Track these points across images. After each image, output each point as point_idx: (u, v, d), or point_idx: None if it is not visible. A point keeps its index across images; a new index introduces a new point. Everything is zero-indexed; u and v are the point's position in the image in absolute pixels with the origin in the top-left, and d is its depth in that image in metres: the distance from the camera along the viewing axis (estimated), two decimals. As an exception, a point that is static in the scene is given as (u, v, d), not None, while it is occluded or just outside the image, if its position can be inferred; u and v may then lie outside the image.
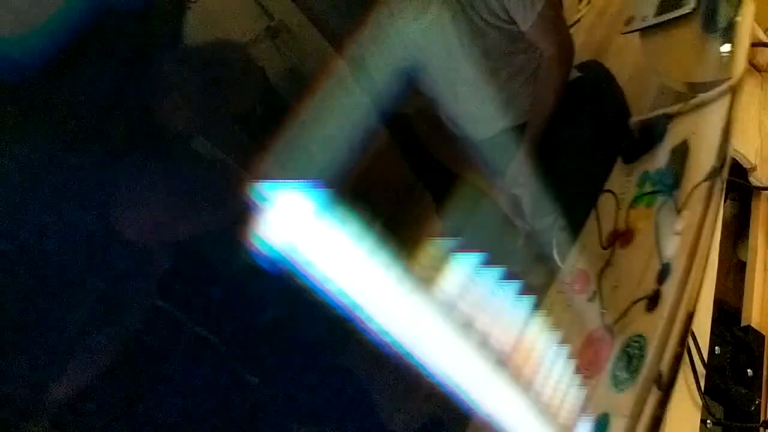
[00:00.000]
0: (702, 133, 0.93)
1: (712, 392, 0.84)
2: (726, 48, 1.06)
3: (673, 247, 0.78)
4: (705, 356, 0.78)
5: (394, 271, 0.54)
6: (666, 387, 0.65)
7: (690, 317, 0.69)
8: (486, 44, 1.20)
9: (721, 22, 1.10)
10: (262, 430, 0.52)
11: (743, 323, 1.01)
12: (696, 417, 0.74)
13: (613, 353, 0.75)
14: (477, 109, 1.29)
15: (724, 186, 0.83)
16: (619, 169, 1.08)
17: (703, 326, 0.81)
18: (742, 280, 1.09)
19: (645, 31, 1.32)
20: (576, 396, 0.76)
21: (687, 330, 0.68)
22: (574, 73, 1.28)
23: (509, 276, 0.89)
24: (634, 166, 1.04)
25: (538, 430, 0.77)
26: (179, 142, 0.44)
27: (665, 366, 0.66)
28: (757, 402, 0.88)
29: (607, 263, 0.90)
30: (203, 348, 0.46)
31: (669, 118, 1.04)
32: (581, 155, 1.22)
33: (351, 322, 0.48)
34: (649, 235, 0.84)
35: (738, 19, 1.07)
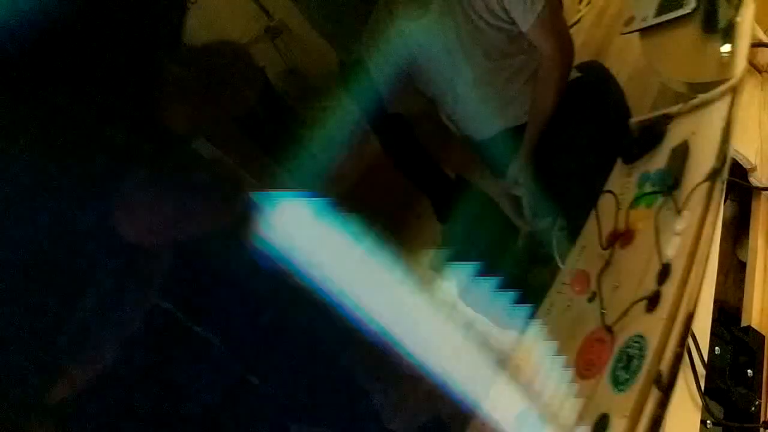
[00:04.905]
0: (702, 134, 0.93)
1: (712, 392, 0.84)
2: (726, 48, 1.06)
3: (673, 248, 0.78)
4: (705, 356, 0.78)
5: (394, 272, 0.54)
6: (666, 387, 0.65)
7: (690, 317, 0.69)
8: (486, 44, 1.20)
9: (721, 22, 1.10)
10: (262, 430, 0.52)
11: (743, 323, 1.01)
12: (696, 417, 0.74)
13: (613, 353, 0.75)
14: (477, 109, 1.29)
15: (724, 186, 0.83)
16: (619, 169, 1.08)
17: (703, 326, 0.81)
18: (742, 280, 1.09)
19: (645, 31, 1.32)
20: (576, 396, 0.76)
21: (687, 330, 0.68)
22: (574, 73, 1.28)
23: (509, 277, 0.89)
24: (634, 167, 1.04)
25: (538, 431, 0.77)
26: (179, 143, 0.44)
27: (665, 366, 0.66)
28: (757, 402, 0.88)
29: (607, 263, 0.90)
30: (203, 348, 0.46)
31: (669, 118, 1.04)
32: (581, 155, 1.22)
33: (351, 323, 0.49)
34: (649, 235, 0.84)
35: (738, 19, 1.07)
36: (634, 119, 1.12)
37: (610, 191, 1.02)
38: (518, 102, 1.28)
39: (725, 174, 0.82)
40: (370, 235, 0.50)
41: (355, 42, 1.24)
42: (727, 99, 0.92)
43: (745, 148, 1.14)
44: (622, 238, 0.92)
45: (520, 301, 0.81)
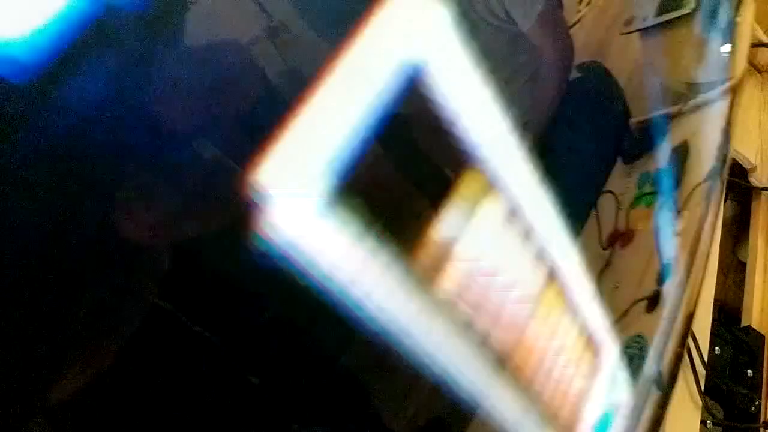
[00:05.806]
0: (702, 134, 0.93)
1: (712, 392, 0.84)
2: (726, 48, 1.06)
3: (673, 248, 0.79)
4: (705, 356, 0.78)
5: (394, 272, 0.54)
6: (666, 387, 0.65)
7: (690, 317, 0.69)
8: (486, 44, 1.20)
9: (721, 22, 1.10)
10: (262, 430, 0.52)
11: (743, 323, 1.01)
12: (696, 417, 0.74)
13: (613, 353, 0.75)
14: (477, 109, 1.29)
15: (724, 186, 0.83)
16: (619, 169, 1.07)
17: (703, 326, 0.81)
18: (742, 280, 1.10)
19: (645, 31, 1.32)
20: (576, 397, 0.76)
21: (687, 330, 0.68)
22: (574, 74, 1.28)
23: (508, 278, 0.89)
24: (634, 167, 1.04)
25: (539, 431, 0.77)
26: (179, 143, 0.44)
27: (665, 366, 0.66)
28: (757, 402, 0.88)
29: (607, 264, 0.90)
30: (203, 348, 0.46)
31: (669, 118, 1.04)
32: (581, 155, 1.22)
33: (351, 323, 0.48)
34: (649, 235, 0.84)
35: (738, 19, 1.07)
36: (634, 119, 1.12)
37: (610, 191, 1.02)
38: (518, 102, 1.28)
39: (725, 174, 0.82)
40: (370, 235, 0.50)
41: (355, 42, 1.24)
42: (727, 99, 0.92)
43: (745, 148, 1.15)
44: (622, 238, 0.92)
45: (519, 300, 0.81)
